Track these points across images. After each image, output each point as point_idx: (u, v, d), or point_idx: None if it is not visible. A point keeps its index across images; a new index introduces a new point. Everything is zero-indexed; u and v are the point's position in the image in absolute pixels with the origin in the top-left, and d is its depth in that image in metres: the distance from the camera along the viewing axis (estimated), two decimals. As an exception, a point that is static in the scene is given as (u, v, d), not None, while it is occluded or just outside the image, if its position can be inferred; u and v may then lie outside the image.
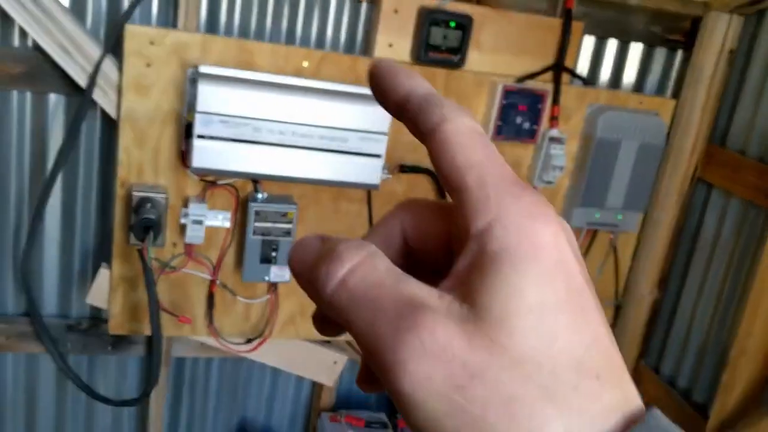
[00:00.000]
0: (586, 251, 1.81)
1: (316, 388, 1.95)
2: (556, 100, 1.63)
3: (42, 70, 1.48)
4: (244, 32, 1.57)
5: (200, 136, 1.34)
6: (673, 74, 1.87)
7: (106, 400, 1.59)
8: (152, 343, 1.49)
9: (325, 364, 1.82)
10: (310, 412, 2.03)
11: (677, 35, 1.81)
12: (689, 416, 1.78)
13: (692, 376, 1.83)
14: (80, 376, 1.61)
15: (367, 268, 0.24)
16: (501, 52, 1.60)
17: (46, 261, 1.65)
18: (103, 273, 1.56)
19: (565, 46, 1.61)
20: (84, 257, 1.68)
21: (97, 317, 1.72)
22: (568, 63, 1.64)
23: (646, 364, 1.97)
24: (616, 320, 1.95)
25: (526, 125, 1.60)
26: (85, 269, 1.68)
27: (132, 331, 1.60)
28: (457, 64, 1.55)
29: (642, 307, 1.91)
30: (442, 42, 1.52)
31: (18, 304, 1.68)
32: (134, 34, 1.39)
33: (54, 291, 1.69)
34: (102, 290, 1.57)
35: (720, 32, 1.72)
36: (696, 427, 1.74)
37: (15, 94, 1.52)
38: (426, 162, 1.62)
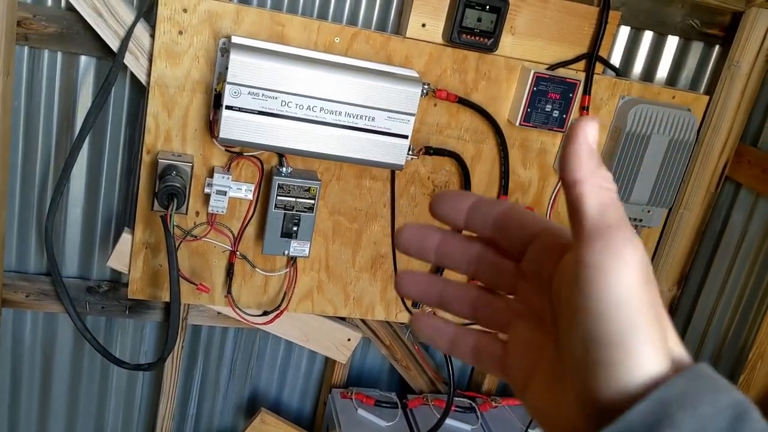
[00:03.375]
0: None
1: (329, 363, 1.96)
2: (587, 90, 1.61)
3: (74, 32, 1.48)
4: (277, 4, 1.56)
5: (229, 107, 1.33)
6: (708, 70, 1.83)
7: (121, 363, 1.61)
8: (170, 310, 1.51)
9: (339, 341, 1.83)
10: (321, 388, 2.04)
11: (715, 30, 1.78)
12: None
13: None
14: (97, 338, 1.63)
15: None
16: (535, 38, 1.58)
17: (69, 223, 1.67)
18: (125, 237, 1.57)
19: (600, 35, 1.59)
20: (107, 221, 1.69)
21: (117, 281, 1.74)
22: (602, 53, 1.61)
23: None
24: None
25: (556, 113, 1.58)
26: (107, 233, 1.70)
27: (151, 297, 1.62)
28: (490, 48, 1.53)
29: (660, 304, 1.90)
30: (475, 24, 1.50)
31: (39, 264, 1.70)
32: (168, 0, 1.39)
33: (75, 253, 1.70)
34: (123, 254, 1.58)
35: (760, 29, 1.68)
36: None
37: (46, 53, 1.53)
38: (450, 144, 1.61)
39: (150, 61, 1.44)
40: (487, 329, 0.42)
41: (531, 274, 0.38)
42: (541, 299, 0.37)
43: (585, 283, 0.30)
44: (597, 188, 0.32)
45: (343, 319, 1.83)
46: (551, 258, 0.36)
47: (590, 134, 0.32)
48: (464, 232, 0.41)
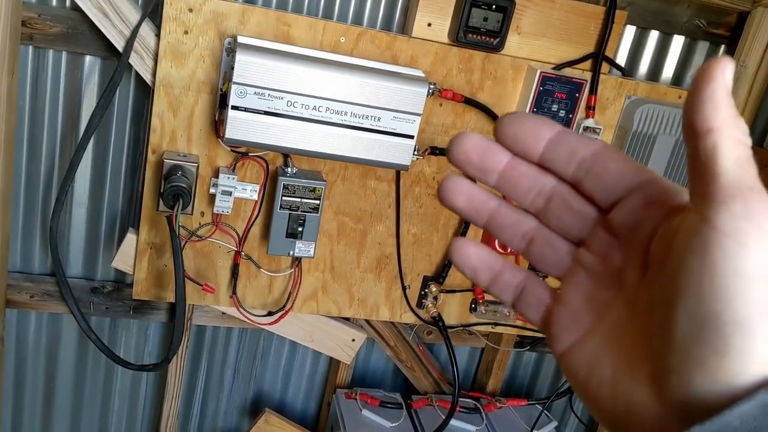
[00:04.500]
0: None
1: (333, 364, 1.96)
2: (593, 90, 1.61)
3: (79, 31, 1.48)
4: (282, 4, 1.55)
5: (235, 107, 1.33)
6: (714, 70, 1.83)
7: (126, 364, 1.61)
8: (175, 310, 1.50)
9: (344, 342, 1.82)
10: (325, 388, 2.04)
11: (722, 29, 1.77)
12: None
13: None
14: (101, 338, 1.62)
15: None
16: (541, 38, 1.57)
17: (73, 223, 1.66)
18: (130, 238, 1.56)
19: (607, 35, 1.58)
20: (111, 221, 1.68)
21: (121, 281, 1.74)
22: (608, 52, 1.61)
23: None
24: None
25: (562, 113, 1.57)
26: (111, 233, 1.69)
27: (155, 297, 1.61)
28: (496, 48, 1.53)
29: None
30: (482, 24, 1.49)
31: (44, 264, 1.70)
32: (173, 0, 1.38)
33: (80, 253, 1.70)
34: (128, 255, 1.58)
35: (767, 29, 1.68)
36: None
37: (51, 53, 1.52)
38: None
39: (155, 61, 1.43)
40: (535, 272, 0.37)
41: (621, 227, 0.33)
42: (626, 257, 0.33)
43: (715, 253, 0.26)
44: (735, 141, 0.27)
45: (347, 319, 1.82)
46: (654, 214, 0.32)
47: (728, 76, 0.28)
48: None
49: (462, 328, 1.82)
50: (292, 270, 1.64)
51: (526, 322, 1.81)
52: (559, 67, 1.59)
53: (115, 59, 1.49)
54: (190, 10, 1.39)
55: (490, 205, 0.36)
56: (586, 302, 0.34)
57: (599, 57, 1.60)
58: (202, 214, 1.54)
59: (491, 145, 0.35)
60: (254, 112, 1.34)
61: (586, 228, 0.35)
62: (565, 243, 0.36)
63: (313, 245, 1.54)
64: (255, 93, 1.33)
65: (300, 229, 1.52)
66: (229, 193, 1.48)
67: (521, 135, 0.35)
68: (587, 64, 1.62)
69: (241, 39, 1.37)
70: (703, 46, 1.81)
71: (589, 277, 0.35)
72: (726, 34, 1.77)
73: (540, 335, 1.89)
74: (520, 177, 0.35)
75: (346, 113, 1.39)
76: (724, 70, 0.28)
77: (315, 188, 1.50)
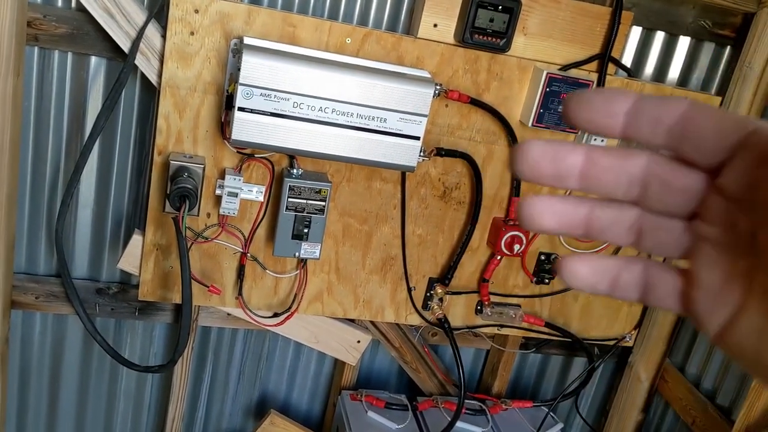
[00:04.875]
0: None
1: (338, 365, 1.96)
2: (599, 91, 1.60)
3: (85, 32, 1.48)
4: (288, 5, 1.55)
5: (241, 109, 1.33)
6: (720, 71, 1.83)
7: (131, 365, 1.61)
8: (181, 312, 1.50)
9: (349, 343, 1.82)
10: (330, 390, 2.04)
11: (727, 30, 1.77)
12: (713, 419, 1.76)
13: (718, 379, 1.81)
14: (107, 339, 1.62)
15: None
16: (547, 39, 1.57)
17: (79, 224, 1.66)
18: (136, 239, 1.56)
19: (613, 36, 1.58)
20: (117, 222, 1.68)
21: (127, 282, 1.73)
22: (614, 53, 1.61)
23: (672, 363, 1.95)
24: (644, 316, 1.92)
25: (568, 115, 1.57)
26: (117, 234, 1.69)
27: (161, 299, 1.61)
28: (502, 48, 1.53)
29: (671, 306, 1.89)
30: (488, 25, 1.49)
31: (49, 265, 1.70)
32: (179, 0, 1.38)
33: (85, 254, 1.70)
34: (134, 256, 1.57)
35: (773, 30, 1.67)
36: (719, 430, 1.72)
37: (57, 54, 1.52)
38: (462, 146, 1.60)
39: (161, 62, 1.43)
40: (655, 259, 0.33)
41: (736, 190, 0.30)
42: (754, 219, 0.29)
43: None
44: None
45: (352, 321, 1.82)
46: None
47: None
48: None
49: (467, 329, 1.82)
50: (298, 271, 1.64)
51: (532, 324, 1.81)
52: (566, 68, 1.58)
53: (121, 60, 1.49)
54: (196, 11, 1.39)
55: (581, 212, 0.33)
56: (725, 277, 0.31)
57: (605, 58, 1.60)
58: (208, 215, 1.54)
59: (559, 148, 0.32)
60: (260, 114, 1.34)
61: (694, 200, 0.31)
62: (677, 222, 0.32)
63: (319, 247, 1.54)
64: (261, 94, 1.33)
65: (305, 230, 1.52)
66: (235, 195, 1.47)
67: (593, 115, 0.31)
68: (593, 65, 1.61)
69: (247, 40, 1.37)
70: (708, 47, 1.80)
71: (717, 250, 0.31)
72: (731, 35, 1.77)
73: (546, 337, 1.89)
74: (603, 172, 0.32)
75: (351, 114, 1.38)
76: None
77: (320, 190, 1.50)
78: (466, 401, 1.85)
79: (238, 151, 1.49)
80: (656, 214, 0.32)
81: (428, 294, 1.74)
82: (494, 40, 1.51)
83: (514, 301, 1.80)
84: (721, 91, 1.79)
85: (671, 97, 0.31)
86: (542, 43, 1.57)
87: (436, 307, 1.73)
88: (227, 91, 1.43)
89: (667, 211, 0.32)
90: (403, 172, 1.60)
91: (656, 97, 0.31)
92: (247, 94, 1.32)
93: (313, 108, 1.36)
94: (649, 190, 0.32)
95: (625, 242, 0.33)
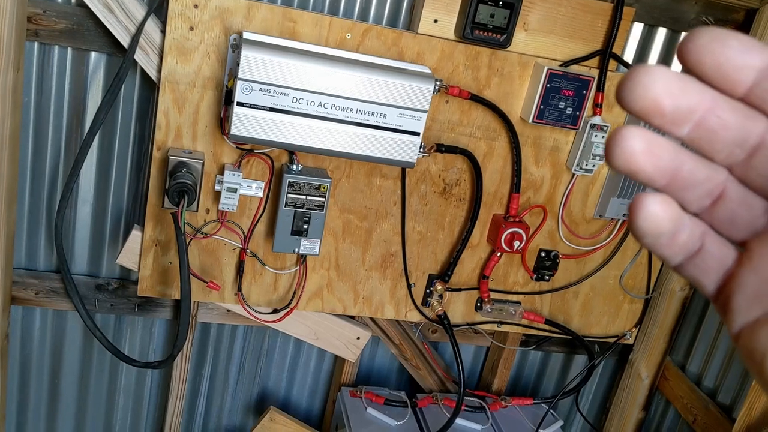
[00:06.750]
0: (620, 242, 1.79)
1: (338, 362, 1.95)
2: (601, 87, 1.60)
3: (84, 28, 1.48)
4: (287, 0, 1.55)
5: (240, 104, 1.32)
6: (722, 67, 1.82)
7: (131, 361, 1.60)
8: (180, 307, 1.50)
9: (349, 340, 1.82)
10: (330, 386, 2.03)
11: (729, 27, 1.76)
12: (714, 417, 1.75)
13: (719, 378, 1.81)
14: (106, 335, 1.62)
15: None
16: (548, 35, 1.56)
17: (78, 220, 1.66)
18: (135, 235, 1.56)
19: (614, 31, 1.57)
20: (116, 218, 1.68)
21: (126, 278, 1.73)
22: (616, 49, 1.60)
23: (673, 361, 1.95)
24: (645, 314, 1.92)
25: (569, 111, 1.56)
26: (116, 230, 1.69)
27: (160, 294, 1.61)
28: (503, 44, 1.52)
29: (672, 303, 1.88)
30: (488, 20, 1.48)
31: (49, 261, 1.69)
32: (179, -5, 1.38)
33: (85, 250, 1.70)
34: (133, 252, 1.57)
35: (776, 26, 1.66)
36: (720, 428, 1.71)
37: (56, 49, 1.52)
38: (462, 142, 1.60)
39: (160, 57, 1.43)
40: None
41: None
42: None
43: None
44: None
45: (352, 317, 1.82)
46: None
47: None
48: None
49: (467, 326, 1.81)
50: (297, 267, 1.64)
51: (532, 321, 1.80)
52: (567, 64, 1.58)
53: (121, 55, 1.48)
54: (196, 6, 1.39)
55: (678, 158, 0.28)
56: None
57: (607, 54, 1.59)
58: (207, 211, 1.53)
59: (689, 84, 0.26)
60: (260, 109, 1.33)
61: None
62: (762, 201, 0.29)
63: (318, 243, 1.54)
64: (260, 89, 1.32)
65: (305, 226, 1.51)
66: (235, 190, 1.47)
67: (725, 62, 0.26)
68: (594, 61, 1.61)
69: (246, 35, 1.37)
70: (711, 44, 1.79)
71: None
72: (734, 31, 1.76)
73: (546, 334, 1.88)
74: (722, 128, 0.27)
75: (351, 110, 1.38)
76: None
77: (320, 185, 1.50)
78: (466, 398, 1.85)
79: (237, 147, 1.48)
80: (747, 185, 0.29)
81: (428, 291, 1.74)
82: (495, 35, 1.50)
83: (514, 298, 1.80)
84: (724, 88, 1.78)
85: None
86: (543, 39, 1.57)
87: (436, 303, 1.73)
88: (226, 86, 1.42)
89: (762, 187, 0.28)
90: (403, 168, 1.59)
91: None
92: (246, 89, 1.32)
93: (312, 103, 1.36)
94: (755, 159, 0.28)
95: (697, 206, 0.29)
